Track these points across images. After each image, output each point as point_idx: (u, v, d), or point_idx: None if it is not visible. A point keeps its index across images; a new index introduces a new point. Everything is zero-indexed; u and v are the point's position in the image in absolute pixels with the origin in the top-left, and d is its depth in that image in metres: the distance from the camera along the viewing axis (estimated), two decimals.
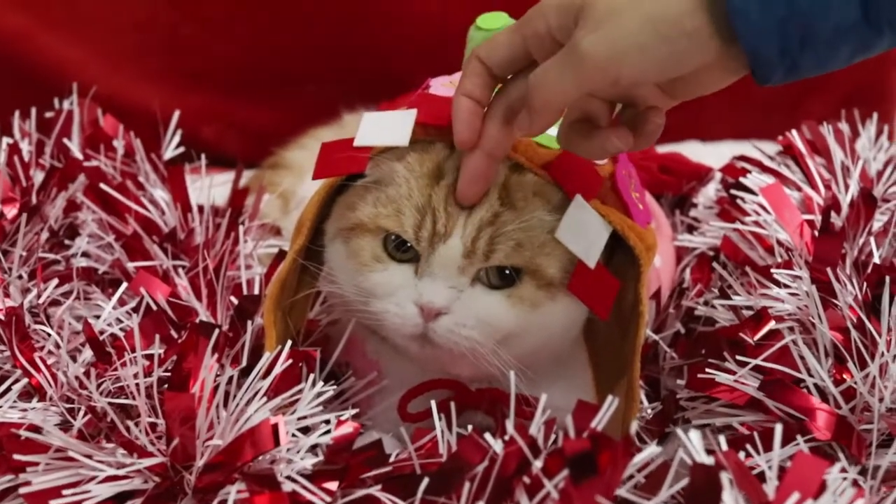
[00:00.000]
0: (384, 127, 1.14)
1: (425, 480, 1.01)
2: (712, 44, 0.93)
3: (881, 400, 1.15)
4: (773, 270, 1.28)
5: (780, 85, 0.97)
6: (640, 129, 1.05)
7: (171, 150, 1.57)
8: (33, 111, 1.55)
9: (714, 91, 1.01)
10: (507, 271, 1.15)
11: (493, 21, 1.20)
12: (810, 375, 1.17)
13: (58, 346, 1.24)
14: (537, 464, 0.98)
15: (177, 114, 1.57)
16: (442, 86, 1.21)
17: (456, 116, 1.07)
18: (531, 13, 1.02)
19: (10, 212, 1.38)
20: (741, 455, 1.03)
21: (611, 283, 1.15)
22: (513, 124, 1.06)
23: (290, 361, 1.13)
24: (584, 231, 1.13)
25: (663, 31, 0.93)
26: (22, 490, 1.04)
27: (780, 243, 1.34)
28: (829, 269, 1.23)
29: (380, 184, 1.17)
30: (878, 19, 0.91)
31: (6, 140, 1.49)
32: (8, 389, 1.19)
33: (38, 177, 1.46)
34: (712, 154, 1.80)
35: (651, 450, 0.97)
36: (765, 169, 1.51)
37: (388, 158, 1.17)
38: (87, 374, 1.16)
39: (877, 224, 1.38)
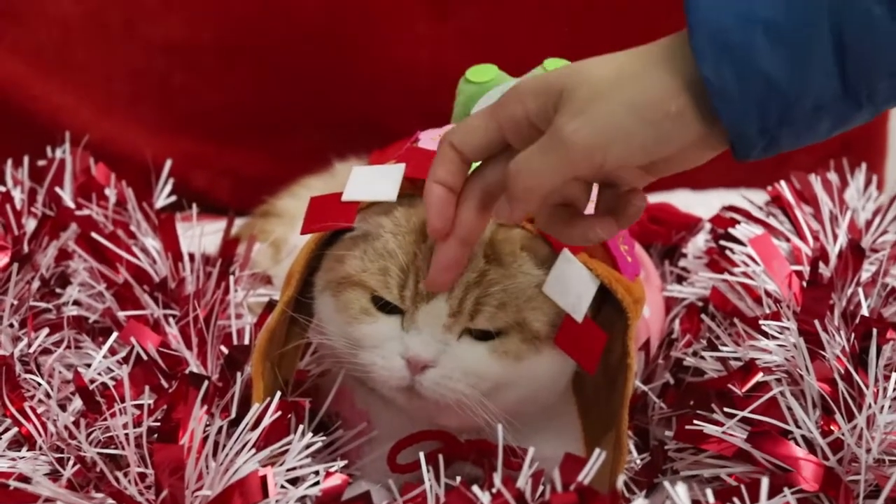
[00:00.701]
0: (372, 181, 1.14)
1: None
2: (695, 124, 0.92)
3: (868, 451, 1.15)
4: (761, 322, 1.28)
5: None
6: (621, 212, 1.02)
7: (162, 198, 1.57)
8: (26, 159, 1.56)
9: (693, 167, 0.99)
10: (493, 330, 1.15)
11: (483, 74, 1.21)
12: (798, 427, 1.17)
13: (48, 396, 1.24)
14: None
15: (168, 162, 1.57)
16: (431, 140, 1.21)
17: (428, 205, 1.03)
18: (507, 98, 0.99)
19: (2, 260, 1.38)
20: None
21: (598, 336, 1.15)
22: (488, 210, 1.03)
23: (279, 413, 1.13)
24: (572, 285, 1.13)
25: (648, 116, 0.91)
26: None
27: (768, 294, 1.35)
28: (816, 321, 1.23)
29: (368, 237, 1.17)
30: (858, 93, 0.91)
31: None
32: None
33: (30, 225, 1.46)
34: (702, 203, 1.81)
35: (639, 502, 0.98)
36: (753, 219, 1.52)
37: (376, 212, 1.18)
38: (76, 423, 1.15)
39: (865, 274, 1.38)
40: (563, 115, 0.93)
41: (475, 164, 1.03)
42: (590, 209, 1.03)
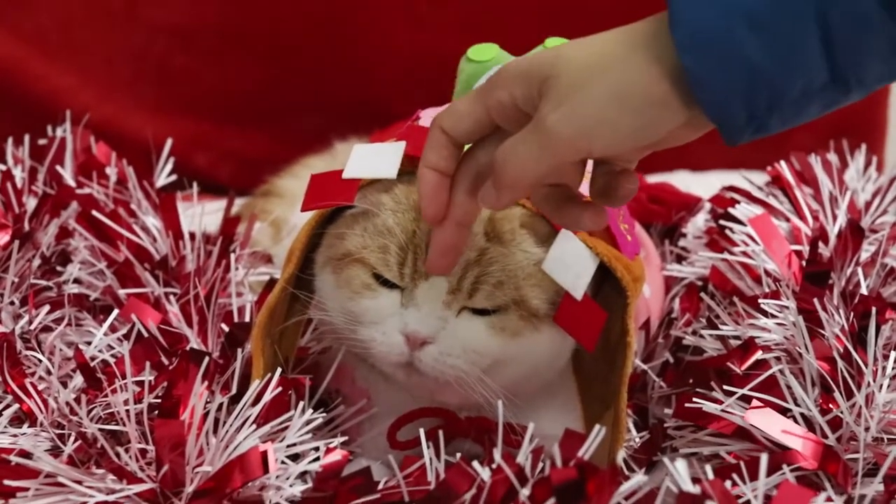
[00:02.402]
0: (373, 159, 1.14)
1: None
2: (680, 110, 0.91)
3: (867, 429, 1.15)
4: (760, 301, 1.28)
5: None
6: (612, 193, 1.02)
7: (163, 177, 1.57)
8: (27, 138, 1.56)
9: (685, 142, 0.98)
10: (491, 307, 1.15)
11: (484, 53, 1.21)
12: (797, 405, 1.17)
13: (49, 372, 1.24)
14: (524, 492, 0.98)
15: (169, 142, 1.57)
16: (431, 118, 1.21)
17: (421, 192, 1.02)
18: (492, 82, 0.98)
19: (3, 238, 1.38)
20: (727, 484, 1.04)
21: (598, 314, 1.16)
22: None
23: (279, 389, 1.13)
24: (572, 263, 1.14)
25: (631, 105, 0.90)
26: None
27: (767, 273, 1.35)
28: (815, 300, 1.23)
29: (368, 214, 1.17)
30: (847, 79, 0.90)
31: None
32: None
33: (31, 203, 1.46)
34: (701, 184, 1.81)
35: (638, 478, 0.98)
36: (753, 199, 1.52)
37: (377, 190, 1.18)
38: (77, 400, 1.15)
39: (864, 254, 1.38)
40: (546, 104, 0.92)
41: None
42: (584, 188, 1.03)
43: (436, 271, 1.10)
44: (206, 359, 1.13)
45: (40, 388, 1.21)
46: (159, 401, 1.12)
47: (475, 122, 0.99)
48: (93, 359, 1.25)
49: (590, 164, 1.03)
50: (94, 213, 1.45)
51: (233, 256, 1.41)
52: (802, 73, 0.89)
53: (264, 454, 1.06)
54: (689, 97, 0.90)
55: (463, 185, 1.02)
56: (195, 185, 1.53)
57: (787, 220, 1.47)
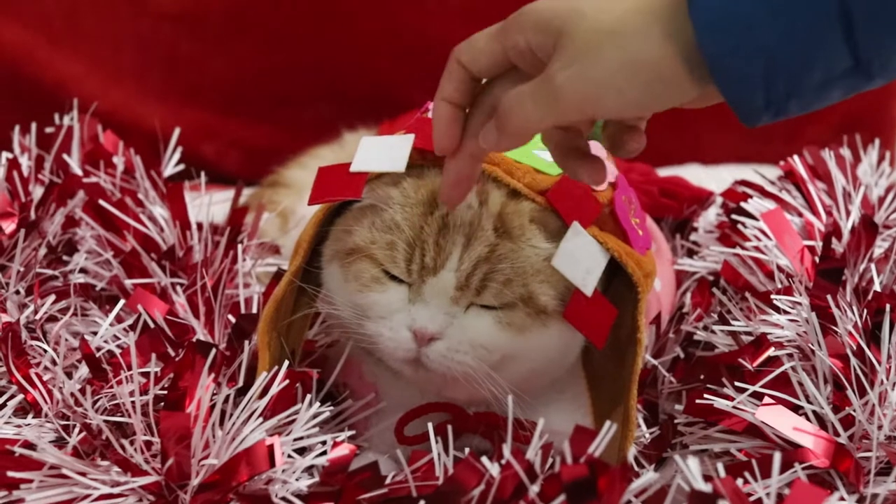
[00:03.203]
0: (381, 152, 1.13)
1: (421, 503, 1.01)
2: (692, 87, 0.91)
3: (880, 428, 1.14)
4: (772, 296, 1.27)
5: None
6: (619, 147, 1.02)
7: (171, 167, 1.56)
8: (33, 126, 1.55)
9: (696, 108, 0.99)
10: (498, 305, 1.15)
11: None
12: (809, 402, 1.16)
13: (54, 363, 1.23)
14: (534, 488, 0.98)
15: (177, 131, 1.56)
16: None
17: (435, 123, 1.03)
18: (510, 23, 0.97)
19: (9, 227, 1.38)
20: (739, 482, 1.03)
21: (608, 310, 1.15)
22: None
23: (286, 382, 1.12)
24: (581, 258, 1.13)
25: (642, 75, 0.90)
26: None
27: (780, 269, 1.34)
28: (828, 296, 1.22)
29: (376, 208, 1.17)
30: (869, 66, 0.89)
31: (6, 155, 1.49)
32: (3, 405, 1.19)
33: (38, 192, 1.46)
34: (713, 178, 1.80)
35: (648, 476, 0.97)
36: (766, 194, 1.51)
37: (385, 183, 1.17)
38: (82, 391, 1.15)
39: (878, 251, 1.37)
40: (557, 59, 0.93)
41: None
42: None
43: (448, 202, 1.09)
44: (213, 350, 1.13)
45: (45, 378, 1.20)
46: (165, 392, 1.11)
47: (492, 59, 0.99)
48: (98, 349, 1.25)
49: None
50: (101, 202, 1.44)
51: (240, 247, 1.40)
52: (823, 60, 0.89)
53: (271, 447, 1.06)
54: (703, 75, 0.90)
55: (478, 119, 1.02)
56: (203, 174, 1.52)
57: (800, 215, 1.46)
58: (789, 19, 0.87)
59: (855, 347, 1.19)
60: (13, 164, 1.46)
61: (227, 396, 1.09)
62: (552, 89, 0.93)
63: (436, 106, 1.02)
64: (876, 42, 0.88)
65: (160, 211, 1.47)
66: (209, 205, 1.47)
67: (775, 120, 0.92)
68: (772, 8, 0.87)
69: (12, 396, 1.19)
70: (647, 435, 1.26)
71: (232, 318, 1.33)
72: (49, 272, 1.39)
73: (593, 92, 0.92)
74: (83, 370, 1.22)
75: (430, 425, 1.13)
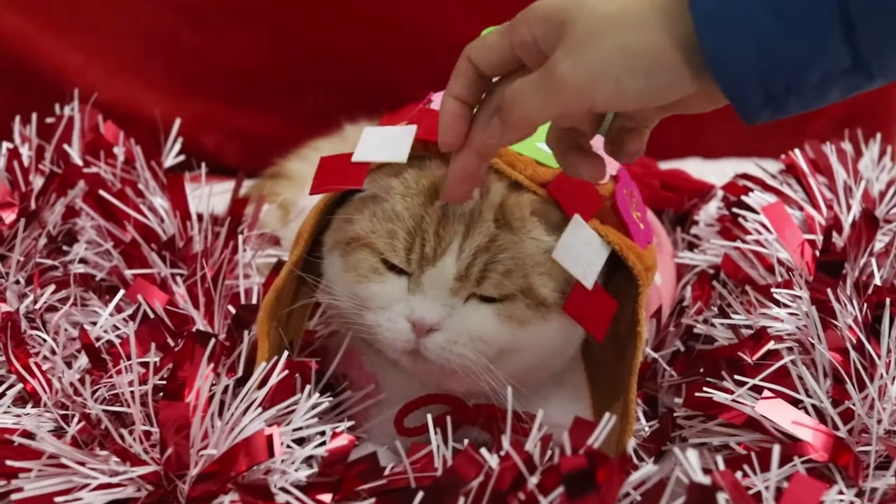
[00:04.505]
0: (383, 143, 1.13)
1: (420, 494, 1.01)
2: (690, 81, 0.91)
3: (879, 422, 1.14)
4: (773, 290, 1.27)
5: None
6: (620, 149, 1.03)
7: (171, 158, 1.56)
8: (34, 116, 1.55)
9: (702, 112, 0.98)
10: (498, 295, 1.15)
11: None
12: (808, 396, 1.16)
13: (53, 353, 1.24)
14: (533, 480, 0.97)
15: (177, 122, 1.56)
16: None
17: (442, 119, 1.03)
18: (518, 20, 0.98)
19: (9, 217, 1.38)
20: (738, 475, 1.03)
21: (608, 303, 1.14)
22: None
23: (286, 372, 1.12)
24: (582, 251, 1.12)
25: (641, 65, 0.90)
26: (14, 496, 1.04)
27: (780, 262, 1.34)
28: (829, 290, 1.22)
29: (377, 198, 1.17)
30: (869, 66, 0.89)
31: (6, 145, 1.49)
32: (2, 395, 1.19)
33: (38, 182, 1.46)
34: (714, 171, 1.80)
35: (648, 468, 0.97)
36: (766, 187, 1.51)
37: (386, 174, 1.17)
38: (81, 380, 1.15)
39: (878, 245, 1.37)
40: (560, 49, 0.93)
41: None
42: (600, 138, 1.04)
43: (452, 199, 1.10)
44: (213, 341, 1.13)
45: (45, 368, 1.20)
46: (164, 382, 1.11)
47: (501, 56, 1.00)
48: (98, 339, 1.25)
49: (609, 115, 1.03)
50: (102, 192, 1.44)
51: (240, 238, 1.40)
52: (823, 58, 0.88)
53: (270, 438, 1.06)
54: (701, 70, 0.90)
55: (485, 116, 1.03)
56: (203, 165, 1.52)
57: (801, 208, 1.46)
58: (789, 17, 0.87)
59: (855, 341, 1.19)
60: (14, 154, 1.46)
61: (227, 387, 1.09)
62: (553, 78, 0.93)
63: (444, 102, 1.03)
64: (875, 42, 0.88)
65: (160, 202, 1.47)
66: (209, 196, 1.48)
67: (775, 118, 0.92)
68: (771, 5, 0.87)
69: (11, 386, 1.19)
70: (647, 428, 1.26)
71: (232, 309, 1.32)
72: (49, 262, 1.39)
73: (592, 79, 0.92)
74: (83, 360, 1.22)
75: (429, 416, 1.13)
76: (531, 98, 0.95)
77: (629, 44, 0.90)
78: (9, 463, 1.05)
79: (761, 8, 0.87)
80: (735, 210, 1.46)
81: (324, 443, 1.10)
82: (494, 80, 1.03)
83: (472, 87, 1.02)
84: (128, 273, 1.38)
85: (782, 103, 0.90)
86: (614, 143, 1.03)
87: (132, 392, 1.09)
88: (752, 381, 1.17)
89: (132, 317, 1.29)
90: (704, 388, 1.19)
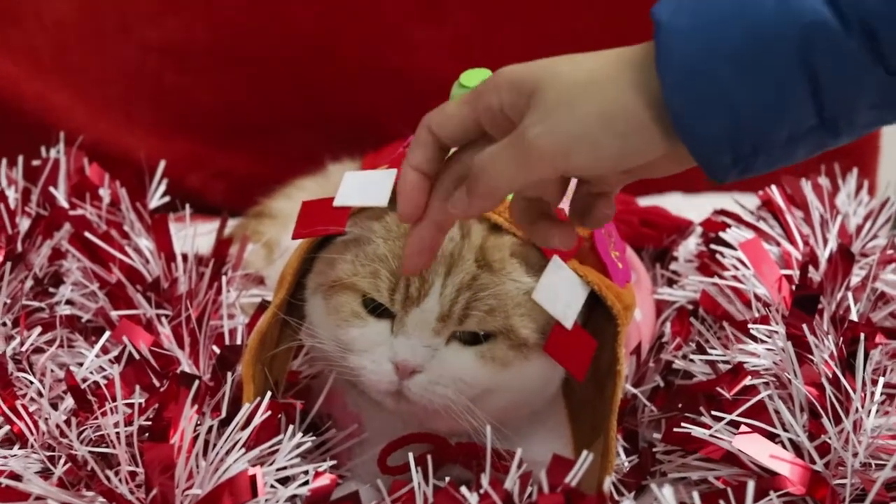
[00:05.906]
0: (364, 187, 1.13)
1: None
2: (661, 141, 0.89)
3: (855, 455, 1.15)
4: (749, 325, 1.28)
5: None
6: (588, 215, 1.01)
7: (156, 198, 1.57)
8: (20, 159, 1.56)
9: (670, 174, 0.98)
10: (481, 332, 1.16)
11: (477, 78, 1.20)
12: (785, 430, 1.17)
13: (40, 394, 1.24)
14: None
15: (162, 163, 1.57)
16: None
17: (401, 190, 1.01)
18: (484, 87, 0.96)
19: None
20: None
21: (588, 343, 1.16)
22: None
23: (269, 413, 1.13)
24: (562, 292, 1.14)
25: (615, 127, 0.89)
26: None
27: (757, 298, 1.35)
28: (804, 325, 1.24)
29: (359, 241, 1.18)
30: (836, 124, 0.88)
31: None
32: None
33: (24, 224, 1.47)
34: (693, 207, 1.81)
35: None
36: (744, 223, 1.52)
37: (368, 217, 1.18)
38: (68, 422, 1.16)
39: (855, 279, 1.38)
40: (530, 116, 0.92)
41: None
42: (564, 205, 1.03)
43: (410, 270, 1.07)
44: (197, 382, 1.14)
45: (31, 409, 1.21)
46: (150, 423, 1.12)
47: (462, 125, 0.98)
48: (84, 380, 1.25)
49: (573, 183, 1.02)
50: (87, 234, 1.45)
51: (224, 279, 1.41)
52: (789, 117, 0.88)
53: (253, 478, 1.07)
54: (670, 131, 0.89)
55: (444, 188, 1.01)
56: (188, 206, 1.53)
57: (778, 244, 1.47)
58: (755, 78, 0.87)
59: (831, 375, 1.20)
60: (0, 197, 1.47)
61: (211, 427, 1.10)
62: (524, 144, 0.91)
63: (403, 173, 1.01)
64: (842, 103, 0.88)
65: (145, 243, 1.48)
66: (194, 236, 1.48)
67: (743, 177, 0.92)
68: (737, 67, 0.87)
69: None
70: (626, 463, 1.27)
71: (216, 349, 1.33)
72: (35, 304, 1.39)
73: (566, 144, 0.90)
74: (69, 401, 1.22)
75: (410, 455, 1.14)
76: (501, 166, 0.94)
77: (603, 105, 0.90)
78: None
79: (728, 70, 0.86)
80: (713, 246, 1.47)
81: (307, 482, 1.11)
82: (452, 150, 1.01)
83: (432, 157, 1.00)
84: (113, 314, 1.38)
85: (749, 163, 0.90)
86: (582, 211, 1.02)
87: (118, 433, 1.10)
88: (729, 417, 1.18)
89: (118, 358, 1.29)
90: (682, 424, 1.20)
